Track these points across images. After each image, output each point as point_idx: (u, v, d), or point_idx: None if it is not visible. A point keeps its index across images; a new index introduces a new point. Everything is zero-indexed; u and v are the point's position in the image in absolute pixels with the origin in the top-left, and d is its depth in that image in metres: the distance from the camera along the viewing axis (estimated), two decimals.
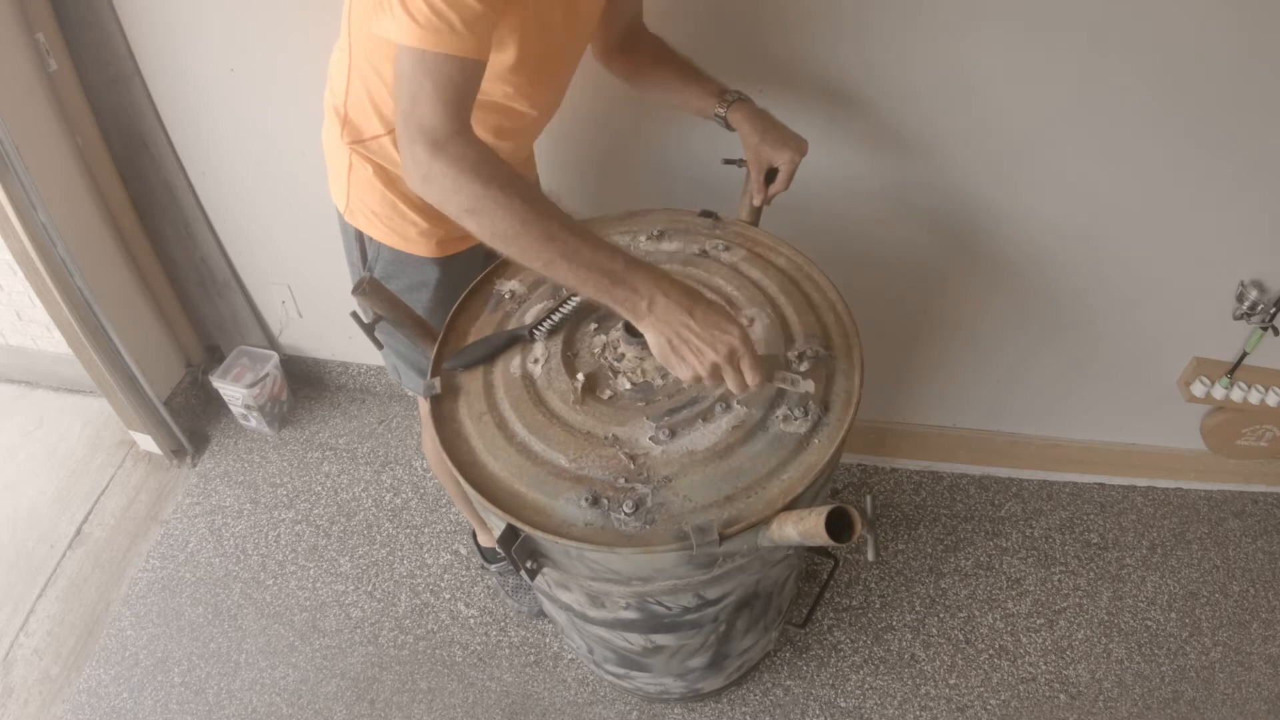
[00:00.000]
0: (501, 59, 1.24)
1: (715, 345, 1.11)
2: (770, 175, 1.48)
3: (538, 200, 1.12)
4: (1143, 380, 2.19)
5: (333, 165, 1.51)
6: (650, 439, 1.20)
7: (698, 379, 1.13)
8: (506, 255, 1.14)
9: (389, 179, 1.44)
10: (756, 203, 1.51)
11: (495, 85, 1.28)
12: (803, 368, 1.28)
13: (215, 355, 2.72)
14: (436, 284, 1.55)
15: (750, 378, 1.13)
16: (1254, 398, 2.11)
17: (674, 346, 1.13)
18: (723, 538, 1.08)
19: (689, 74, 1.52)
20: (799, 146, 1.45)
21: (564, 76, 1.43)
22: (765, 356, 1.25)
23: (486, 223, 1.11)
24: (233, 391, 2.55)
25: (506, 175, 1.11)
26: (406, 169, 1.13)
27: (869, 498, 0.96)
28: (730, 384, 1.14)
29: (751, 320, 1.34)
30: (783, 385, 1.23)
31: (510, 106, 1.34)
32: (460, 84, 1.11)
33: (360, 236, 1.53)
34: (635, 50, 1.55)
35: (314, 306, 2.52)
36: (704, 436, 1.20)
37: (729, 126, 1.49)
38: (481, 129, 1.32)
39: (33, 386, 2.88)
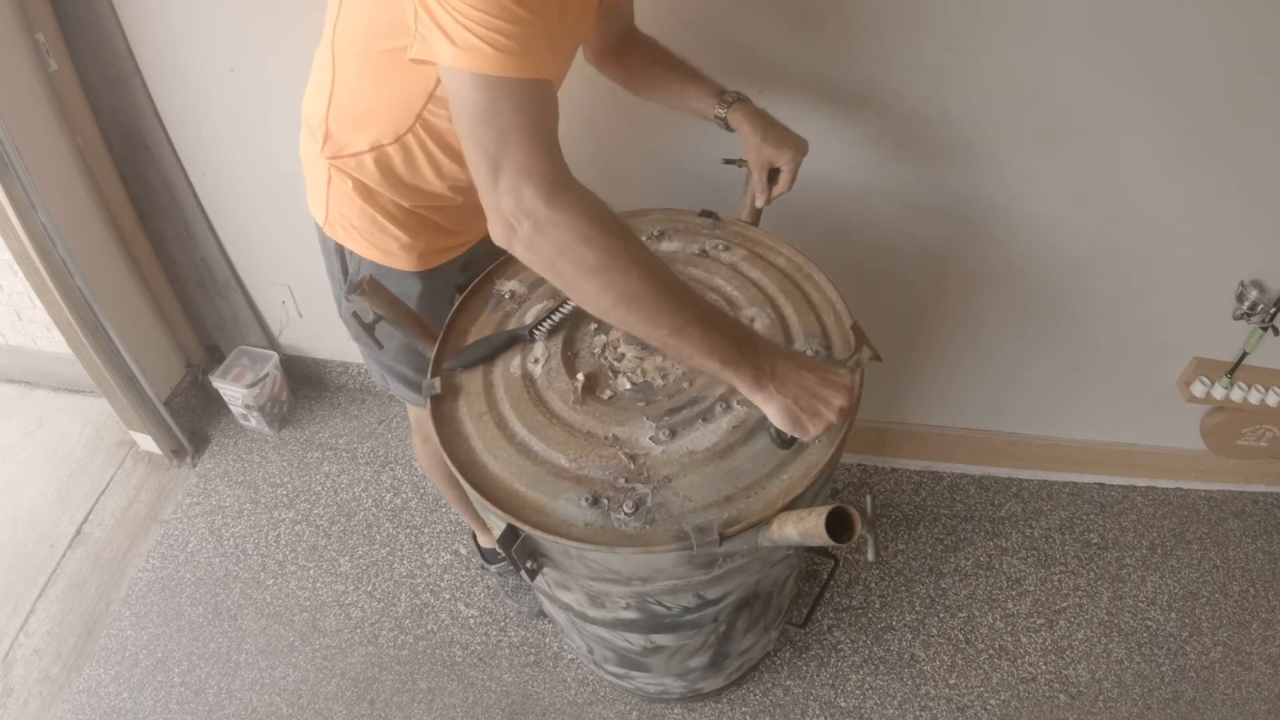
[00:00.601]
0: None
1: (839, 391, 1.11)
2: (772, 176, 1.48)
3: (660, 259, 1.03)
4: (1143, 380, 2.19)
5: (311, 178, 1.47)
6: (650, 439, 1.20)
7: (826, 430, 1.13)
8: (619, 324, 1.03)
9: (368, 194, 1.39)
10: (759, 204, 1.51)
11: None
12: None
13: (215, 355, 2.72)
14: (419, 296, 1.52)
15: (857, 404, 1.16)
16: (1254, 398, 2.11)
17: (802, 407, 1.10)
18: (723, 538, 1.08)
19: (686, 75, 1.50)
20: (800, 146, 1.44)
21: (562, 75, 1.41)
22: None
23: (617, 282, 0.97)
24: (233, 391, 2.55)
25: (627, 228, 1.00)
26: (504, 223, 0.98)
27: (869, 498, 0.96)
28: (843, 422, 1.14)
29: (752, 320, 1.34)
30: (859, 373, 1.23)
31: None
32: (547, 111, 0.99)
33: (340, 250, 1.49)
34: (630, 54, 1.54)
35: (314, 306, 2.52)
36: (704, 436, 1.20)
37: (728, 127, 1.48)
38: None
39: (33, 386, 2.88)
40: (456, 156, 1.31)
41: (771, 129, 1.45)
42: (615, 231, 0.97)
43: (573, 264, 0.97)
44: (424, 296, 1.52)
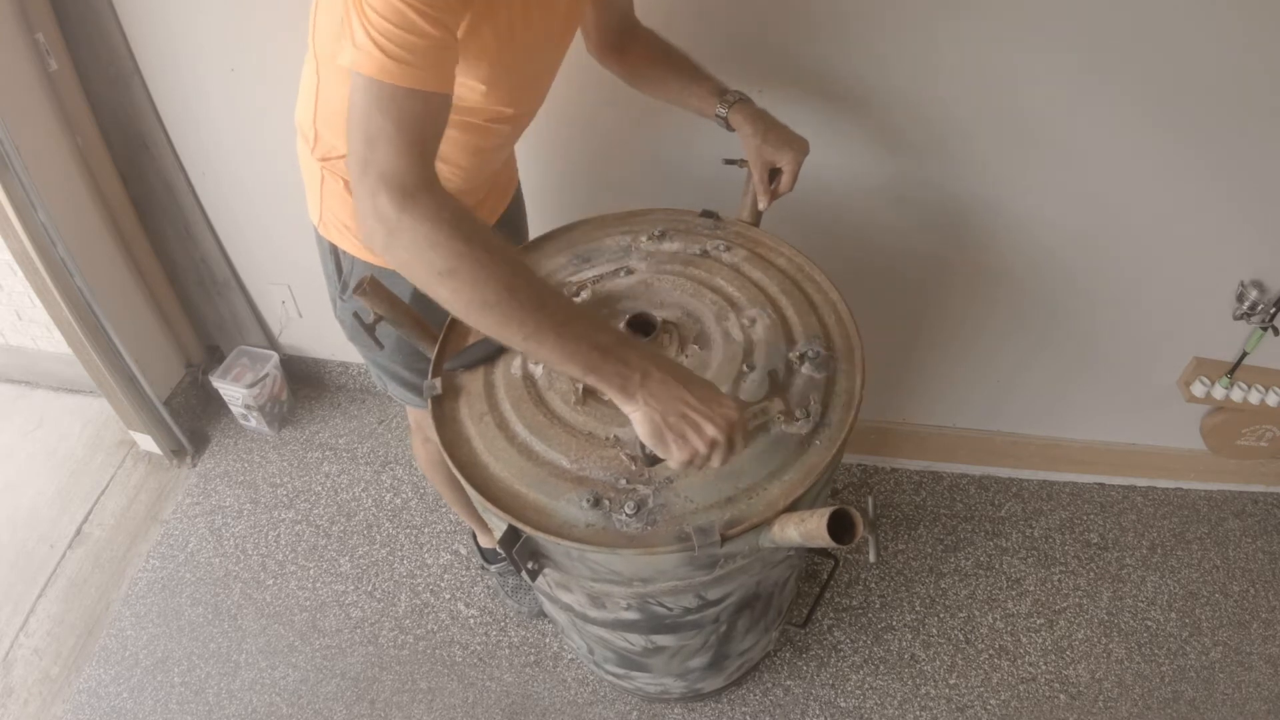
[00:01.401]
0: (474, 67, 1.16)
1: (715, 420, 1.02)
2: (773, 176, 1.48)
3: (522, 262, 1.02)
4: (1143, 380, 2.19)
5: (306, 180, 1.49)
6: None
7: (691, 459, 1.04)
8: (478, 327, 1.02)
9: None
10: (762, 206, 1.50)
11: (469, 91, 1.20)
12: (804, 369, 1.28)
13: (215, 355, 2.72)
14: (412, 295, 1.47)
15: (739, 448, 1.07)
16: (1254, 398, 2.11)
17: (669, 424, 1.02)
18: (724, 539, 1.08)
19: (687, 73, 1.50)
20: (800, 146, 1.44)
21: (544, 77, 1.39)
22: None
23: (465, 288, 0.98)
24: (233, 391, 2.55)
25: (488, 233, 1.00)
26: (365, 224, 1.00)
27: (870, 499, 0.96)
28: (717, 460, 1.05)
29: (753, 320, 1.34)
30: (758, 423, 1.19)
31: (488, 109, 1.27)
32: (426, 123, 1.00)
33: (335, 250, 1.49)
34: (631, 48, 1.53)
35: (314, 306, 2.51)
36: None
37: (729, 127, 1.48)
38: (457, 147, 1.31)
39: (33, 386, 2.88)
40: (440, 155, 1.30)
41: (772, 129, 1.44)
42: (468, 238, 0.97)
43: (424, 268, 0.98)
44: (418, 295, 1.49)
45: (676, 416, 1.02)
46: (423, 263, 0.98)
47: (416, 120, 0.98)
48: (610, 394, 1.03)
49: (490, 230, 1.01)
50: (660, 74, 1.52)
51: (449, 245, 0.96)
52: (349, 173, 1.00)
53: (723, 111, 1.46)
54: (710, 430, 1.02)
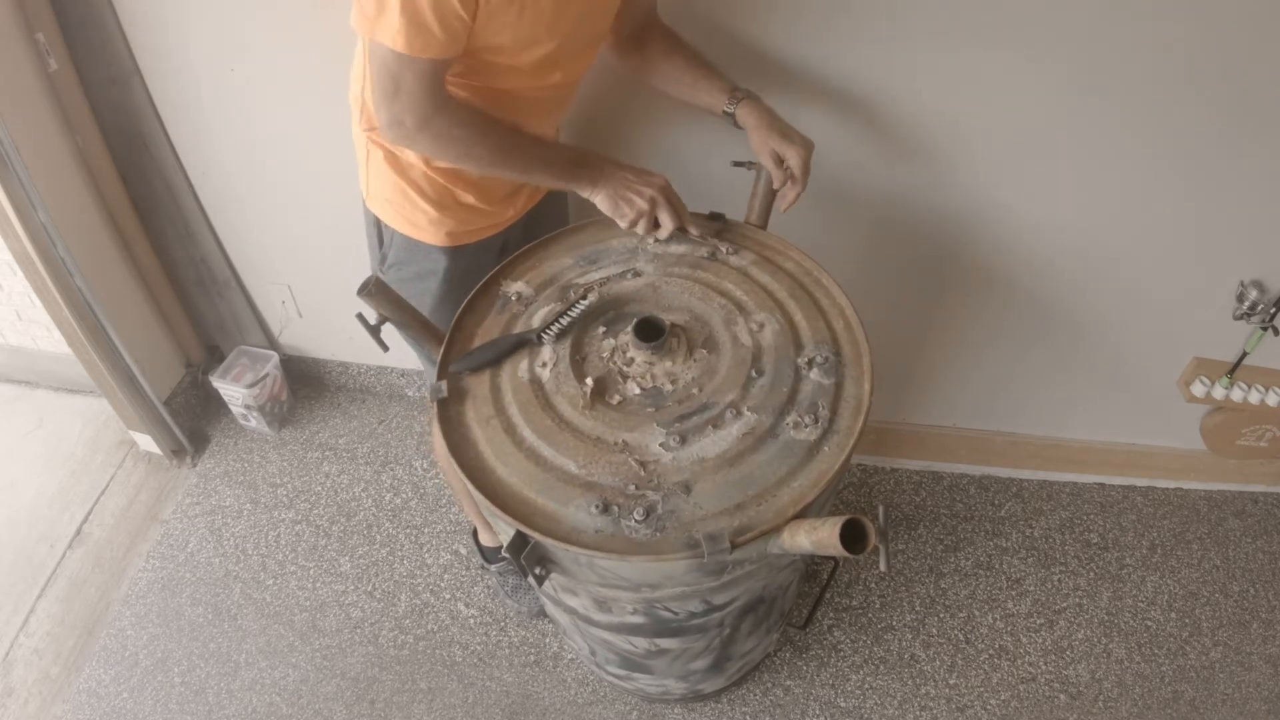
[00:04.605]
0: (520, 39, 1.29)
1: (649, 184, 1.42)
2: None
3: (506, 130, 1.36)
4: (1143, 380, 2.19)
5: (358, 153, 1.56)
6: (660, 445, 1.20)
7: (638, 219, 1.42)
8: (489, 173, 1.42)
9: (400, 166, 1.48)
10: (783, 208, 1.53)
11: (525, 59, 1.34)
12: (812, 374, 1.28)
13: (215, 355, 2.71)
14: (445, 273, 1.59)
15: (679, 205, 1.45)
16: (1254, 398, 2.11)
17: (620, 195, 1.41)
18: (734, 546, 1.08)
19: (699, 69, 1.53)
20: (805, 143, 1.46)
21: (590, 39, 1.44)
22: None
23: (473, 165, 1.38)
24: (233, 391, 2.55)
25: (482, 127, 1.33)
26: (389, 133, 1.30)
27: (881, 508, 0.97)
28: (665, 218, 1.43)
29: (761, 325, 1.34)
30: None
31: (537, 74, 1.38)
32: (440, 75, 1.25)
33: (378, 222, 1.58)
34: (648, 43, 1.55)
35: (314, 306, 2.51)
36: (714, 443, 1.20)
37: (737, 124, 1.50)
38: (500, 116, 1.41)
39: (33, 386, 2.86)
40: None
41: (778, 123, 1.47)
42: (473, 138, 1.32)
43: (442, 156, 1.38)
44: (450, 274, 1.59)
45: (623, 188, 1.42)
46: (440, 154, 1.36)
47: (434, 76, 1.24)
48: (582, 191, 1.43)
49: (484, 120, 1.34)
50: (674, 68, 1.54)
51: (453, 149, 1.33)
52: (375, 103, 1.28)
53: (730, 108, 1.49)
54: (646, 191, 1.42)
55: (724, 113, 1.51)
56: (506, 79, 1.35)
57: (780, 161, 1.48)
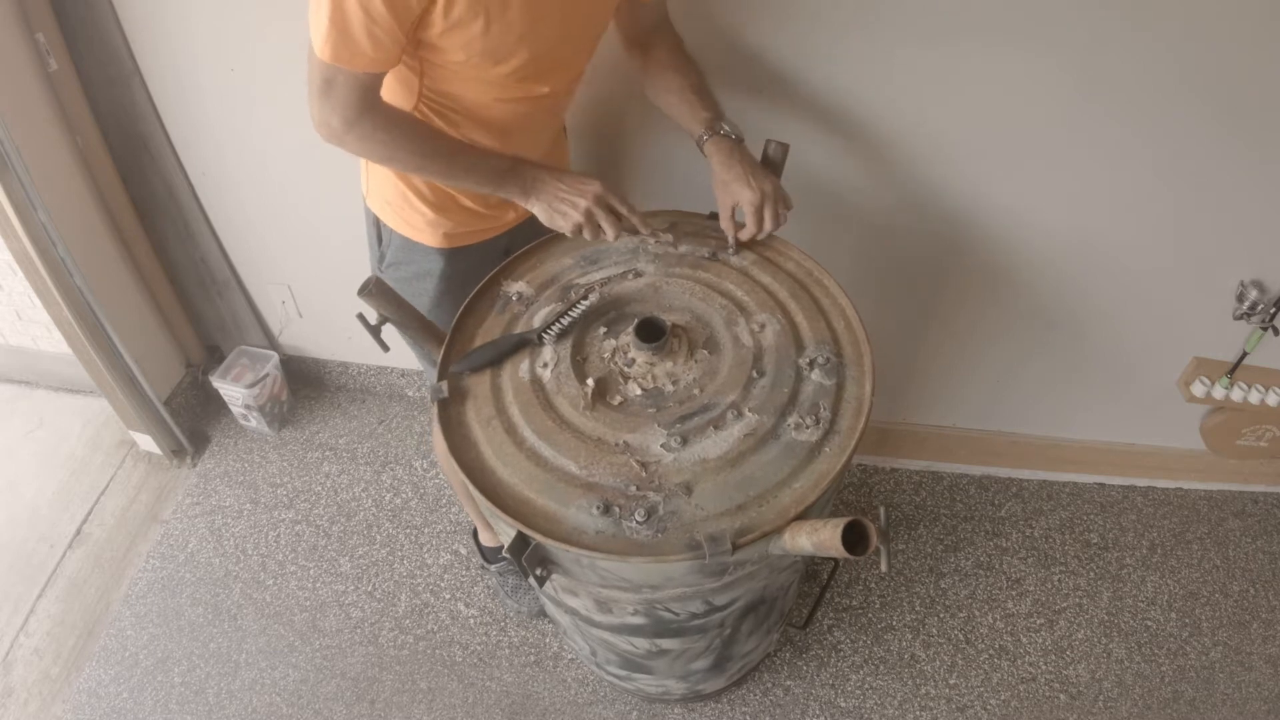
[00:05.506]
0: (497, 46, 1.27)
1: (583, 194, 1.36)
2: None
3: (433, 136, 1.34)
4: (1143, 380, 2.19)
5: None
6: (661, 446, 1.20)
7: (579, 228, 1.37)
8: (417, 176, 1.44)
9: None
10: (729, 249, 1.50)
11: (499, 72, 1.31)
12: (814, 375, 1.28)
13: (215, 355, 2.71)
14: (441, 274, 1.59)
15: (624, 211, 1.39)
16: (1254, 398, 2.11)
17: (555, 208, 1.37)
18: (736, 547, 1.08)
19: (689, 91, 1.50)
20: (760, 188, 1.41)
21: (574, 51, 1.42)
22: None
23: (399, 168, 1.40)
24: (233, 391, 2.54)
25: (408, 132, 1.31)
26: (318, 131, 1.29)
27: (882, 510, 0.96)
28: (606, 225, 1.37)
29: (763, 325, 1.34)
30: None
31: (520, 86, 1.36)
32: (371, 83, 1.24)
33: (377, 221, 1.59)
34: (652, 51, 1.54)
35: (314, 306, 2.51)
36: (716, 444, 1.20)
37: (705, 155, 1.48)
38: (483, 128, 1.40)
39: (33, 386, 2.86)
40: (470, 126, 1.41)
41: (735, 167, 1.43)
42: (398, 142, 1.30)
43: (369, 157, 1.35)
44: (447, 275, 1.60)
45: (557, 199, 1.37)
46: (367, 155, 1.35)
47: (364, 86, 1.23)
48: (516, 200, 1.40)
49: (411, 123, 1.32)
50: (668, 82, 1.52)
51: (378, 150, 1.31)
52: (309, 95, 1.26)
53: (705, 138, 1.46)
54: (581, 201, 1.36)
55: (696, 141, 1.48)
56: (485, 91, 1.35)
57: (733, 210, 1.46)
